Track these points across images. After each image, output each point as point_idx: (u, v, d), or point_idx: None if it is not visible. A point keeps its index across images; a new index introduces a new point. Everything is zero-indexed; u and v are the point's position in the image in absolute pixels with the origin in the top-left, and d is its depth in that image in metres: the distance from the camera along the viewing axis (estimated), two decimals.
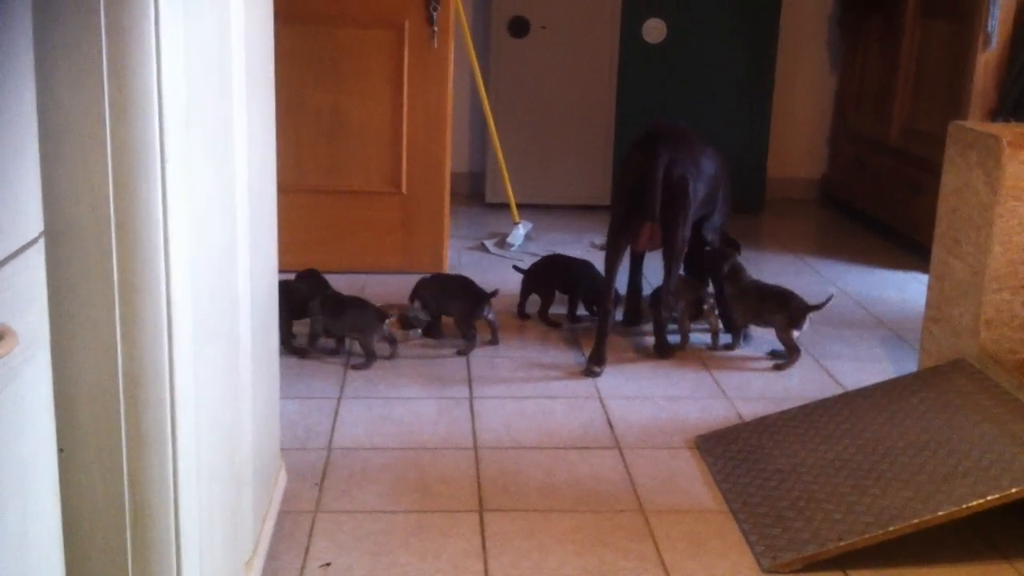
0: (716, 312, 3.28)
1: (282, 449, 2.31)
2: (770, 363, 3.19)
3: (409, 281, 3.78)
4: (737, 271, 3.31)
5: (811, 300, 3.21)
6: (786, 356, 3.19)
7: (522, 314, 3.56)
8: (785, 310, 3.17)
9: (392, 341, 3.15)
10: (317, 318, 3.09)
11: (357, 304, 3.12)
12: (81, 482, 1.32)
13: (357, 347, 3.12)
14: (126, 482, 1.33)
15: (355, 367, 3.05)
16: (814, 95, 5.53)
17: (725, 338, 3.33)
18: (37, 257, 1.13)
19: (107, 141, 1.24)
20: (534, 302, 3.55)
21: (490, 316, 3.22)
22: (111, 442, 1.32)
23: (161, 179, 1.27)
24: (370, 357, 3.07)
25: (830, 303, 3.19)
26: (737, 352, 3.27)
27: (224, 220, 1.62)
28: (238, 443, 1.75)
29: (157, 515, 1.35)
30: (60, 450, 1.27)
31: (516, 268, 3.69)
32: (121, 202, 1.26)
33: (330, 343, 3.16)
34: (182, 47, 1.31)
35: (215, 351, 1.55)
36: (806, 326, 3.17)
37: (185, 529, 1.39)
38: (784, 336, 3.19)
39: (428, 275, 3.38)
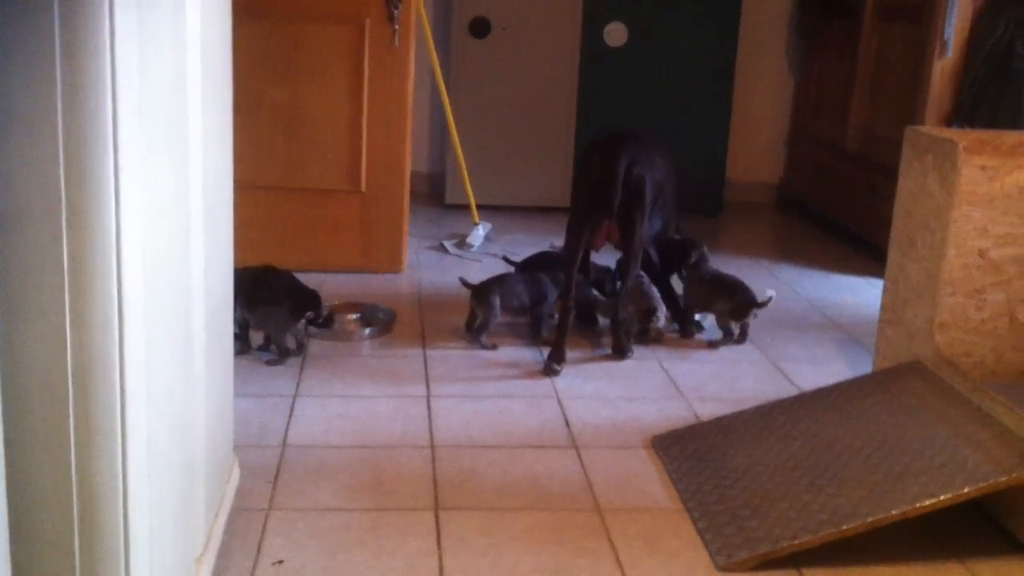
0: (662, 324, 3.34)
1: (236, 446, 2.28)
2: (724, 362, 3.21)
3: (367, 280, 3.77)
4: (701, 261, 3.42)
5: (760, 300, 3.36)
6: (720, 340, 3.37)
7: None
8: (731, 301, 3.34)
9: (300, 342, 3.11)
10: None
11: (274, 300, 3.07)
12: (29, 473, 1.30)
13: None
14: (74, 474, 1.31)
15: (268, 363, 3.02)
16: (773, 99, 5.57)
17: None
18: None
19: (59, 126, 1.22)
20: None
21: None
22: (59, 433, 1.30)
23: (114, 167, 1.25)
24: (282, 354, 3.04)
25: (771, 303, 3.34)
26: (694, 352, 3.29)
27: (179, 213, 1.60)
28: (190, 437, 1.73)
29: (105, 508, 1.33)
30: (7, 443, 1.24)
31: (506, 259, 3.70)
32: (72, 189, 1.24)
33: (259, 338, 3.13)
34: (135, 35, 1.29)
35: (167, 343, 1.53)
36: (749, 320, 3.36)
37: (134, 523, 1.36)
38: (724, 322, 3.37)
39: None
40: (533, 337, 3.32)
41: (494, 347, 3.25)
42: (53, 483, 1.31)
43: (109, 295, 1.28)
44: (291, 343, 3.06)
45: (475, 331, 3.27)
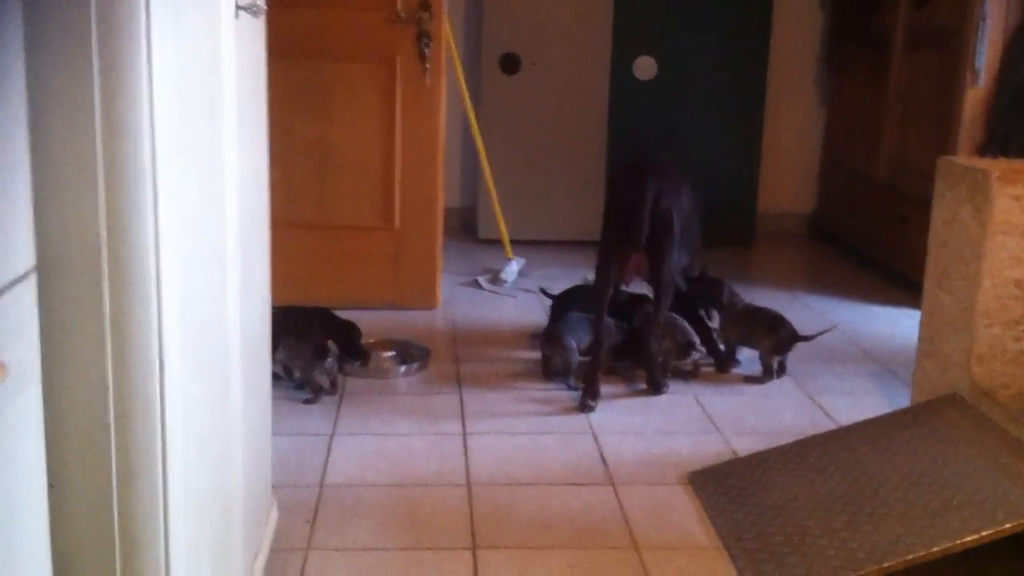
0: (697, 357, 3.33)
1: (274, 486, 2.29)
2: (759, 395, 3.20)
3: (401, 317, 3.79)
4: (733, 297, 3.41)
5: (803, 332, 3.30)
6: (760, 375, 3.33)
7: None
8: (774, 335, 3.30)
9: (332, 376, 3.11)
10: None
11: (301, 335, 3.08)
12: (71, 517, 1.31)
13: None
14: (116, 517, 1.32)
15: (305, 402, 3.04)
16: (803, 130, 5.56)
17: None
18: (28, 290, 1.12)
19: (98, 174, 1.24)
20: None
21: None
22: (101, 477, 1.31)
23: (153, 212, 1.27)
24: (316, 392, 3.05)
25: (821, 336, 3.26)
26: (730, 387, 3.27)
27: (216, 253, 1.62)
28: (227, 478, 1.74)
29: (147, 550, 1.34)
30: (50, 486, 1.26)
31: (544, 292, 3.70)
32: (113, 235, 1.26)
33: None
34: (174, 80, 1.32)
35: (205, 385, 1.55)
36: (790, 354, 3.33)
37: (175, 565, 1.37)
38: (767, 359, 3.32)
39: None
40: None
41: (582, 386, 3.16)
42: (95, 526, 1.32)
43: (149, 340, 1.30)
44: (323, 380, 3.06)
45: (560, 375, 3.24)
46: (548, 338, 3.27)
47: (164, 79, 1.28)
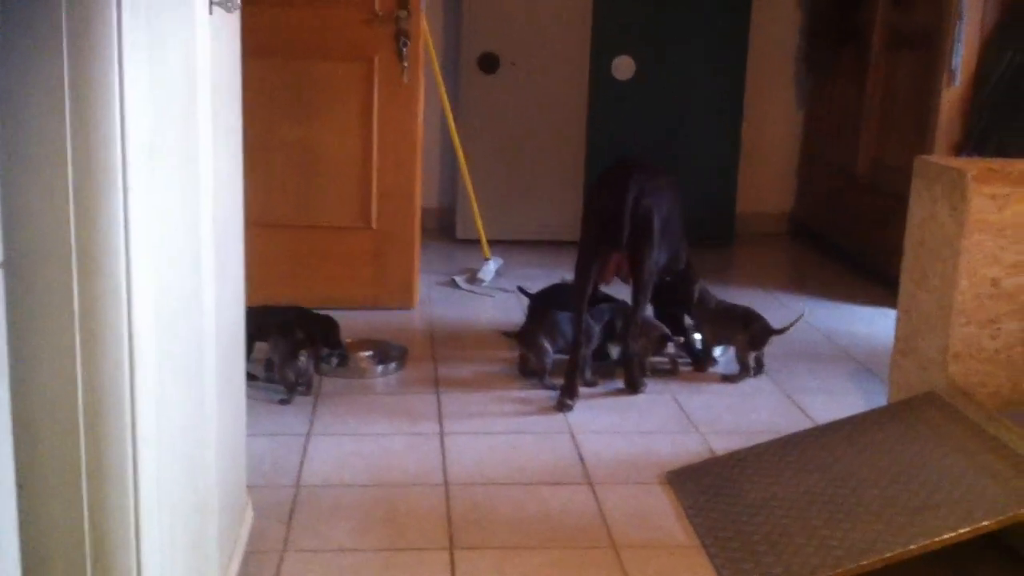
0: (675, 350, 3.34)
1: (249, 486, 2.27)
2: (737, 394, 3.20)
3: (379, 317, 3.77)
4: (704, 295, 3.39)
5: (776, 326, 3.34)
6: (737, 373, 3.33)
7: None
8: (748, 331, 3.32)
9: (306, 377, 3.06)
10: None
11: (281, 332, 3.06)
12: (41, 517, 1.29)
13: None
14: (86, 517, 1.30)
15: (280, 402, 3.01)
16: (783, 129, 5.57)
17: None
18: None
19: (68, 168, 1.23)
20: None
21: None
22: (71, 476, 1.29)
23: (123, 207, 1.25)
24: (289, 390, 3.03)
25: (793, 327, 3.32)
26: (707, 386, 3.27)
27: (190, 251, 1.60)
28: (203, 478, 1.72)
29: (118, 551, 1.32)
30: (19, 486, 1.24)
31: (522, 291, 3.69)
32: (82, 230, 1.24)
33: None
34: (146, 75, 1.30)
35: (179, 384, 1.53)
36: (766, 348, 3.33)
37: (147, 566, 1.36)
38: (743, 355, 3.32)
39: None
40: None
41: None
42: (66, 526, 1.30)
43: (120, 337, 1.28)
44: (290, 377, 3.03)
45: (535, 375, 3.22)
46: (524, 338, 3.26)
47: (135, 74, 1.26)
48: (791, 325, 3.34)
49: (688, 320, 3.48)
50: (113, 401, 1.29)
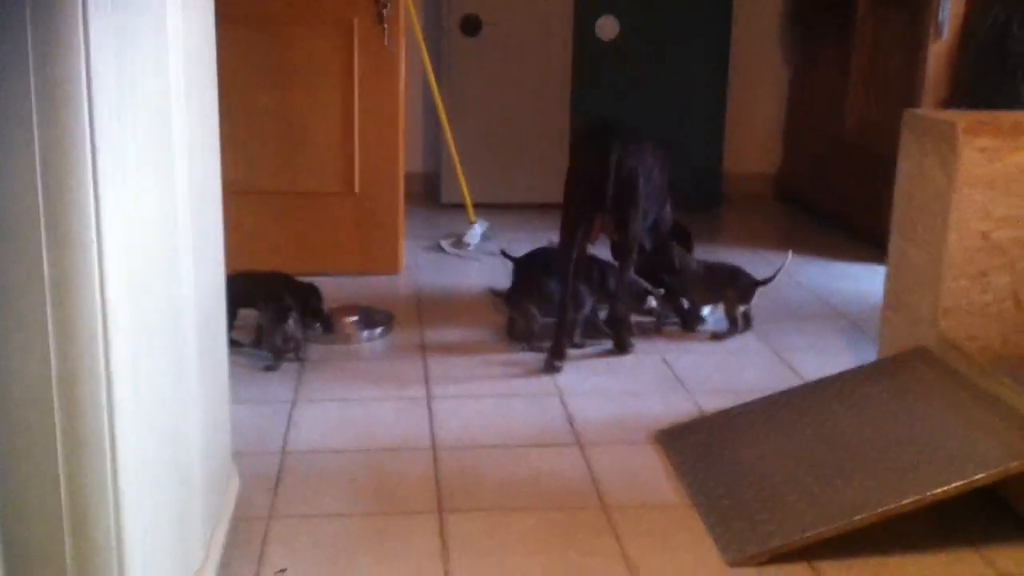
0: (654, 304, 3.34)
1: (234, 454, 2.24)
2: (726, 353, 3.18)
3: (364, 283, 3.73)
4: (684, 261, 3.36)
5: (768, 292, 3.34)
6: (726, 331, 3.33)
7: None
8: (735, 285, 3.32)
9: (295, 343, 3.03)
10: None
11: (267, 298, 3.03)
12: (15, 490, 1.26)
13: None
14: (63, 489, 1.28)
15: (265, 369, 2.98)
16: (768, 89, 5.52)
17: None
18: None
19: (34, 134, 1.19)
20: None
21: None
22: (46, 448, 1.26)
23: (92, 171, 1.22)
24: (276, 356, 2.99)
25: (779, 276, 3.33)
26: (696, 345, 3.25)
27: (165, 219, 1.56)
28: (185, 447, 1.70)
29: (97, 523, 1.30)
30: None
31: (504, 254, 3.65)
32: (50, 197, 1.21)
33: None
34: (112, 39, 1.25)
35: (157, 352, 1.49)
36: (754, 300, 3.33)
37: (128, 537, 1.33)
38: (731, 311, 3.32)
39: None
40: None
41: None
42: (41, 497, 1.28)
43: (92, 305, 1.25)
44: (278, 343, 3.00)
45: (523, 339, 3.19)
46: (512, 301, 3.23)
47: (102, 36, 1.22)
48: (776, 274, 3.32)
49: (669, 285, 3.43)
50: (87, 370, 1.26)
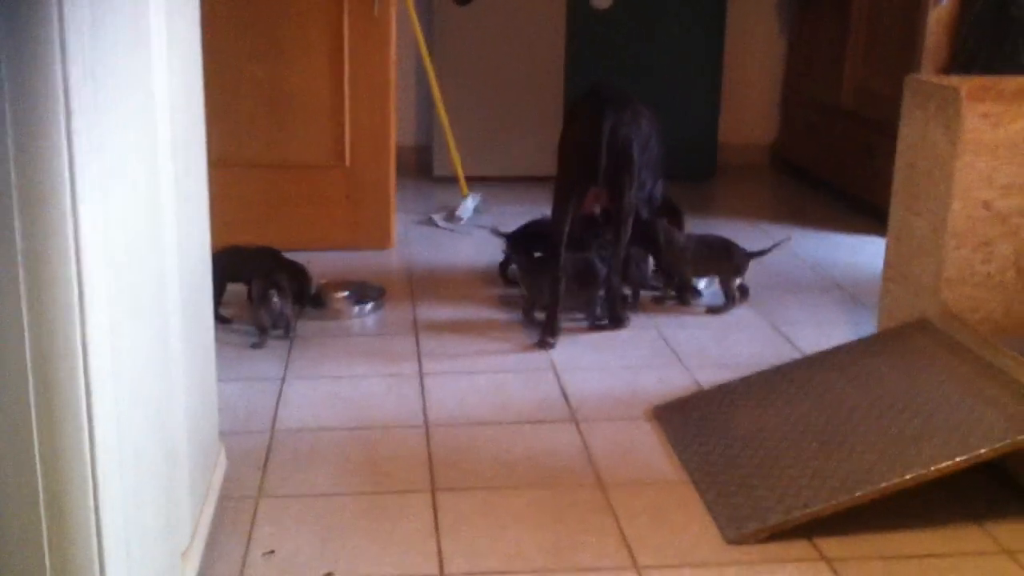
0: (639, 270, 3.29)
1: (222, 433, 2.20)
2: (723, 327, 3.13)
3: (355, 258, 3.69)
4: (671, 236, 3.29)
5: (764, 264, 3.31)
6: (722, 304, 3.28)
7: (505, 276, 3.50)
8: (731, 258, 3.27)
9: (282, 318, 2.96)
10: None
11: (256, 272, 2.97)
12: None
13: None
14: (39, 470, 1.22)
15: (253, 346, 2.92)
16: (765, 58, 5.46)
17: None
18: None
19: (4, 98, 1.13)
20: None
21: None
22: (21, 427, 1.21)
23: (66, 133, 1.16)
24: (261, 333, 2.94)
25: (776, 249, 3.29)
26: (693, 319, 3.20)
27: (146, 185, 1.50)
28: (170, 425, 1.64)
29: (75, 505, 1.25)
30: None
31: (495, 232, 3.60)
32: (22, 161, 1.15)
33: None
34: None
35: (138, 327, 1.44)
36: (747, 273, 3.30)
37: (107, 517, 1.28)
38: (727, 284, 3.27)
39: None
40: (587, 318, 3.15)
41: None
42: (17, 481, 1.23)
43: (67, 279, 1.19)
44: (265, 320, 2.94)
45: (526, 310, 3.15)
46: (525, 275, 3.16)
47: None
48: (771, 248, 3.28)
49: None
50: (63, 345, 1.20)
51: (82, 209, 1.19)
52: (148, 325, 1.50)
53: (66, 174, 1.17)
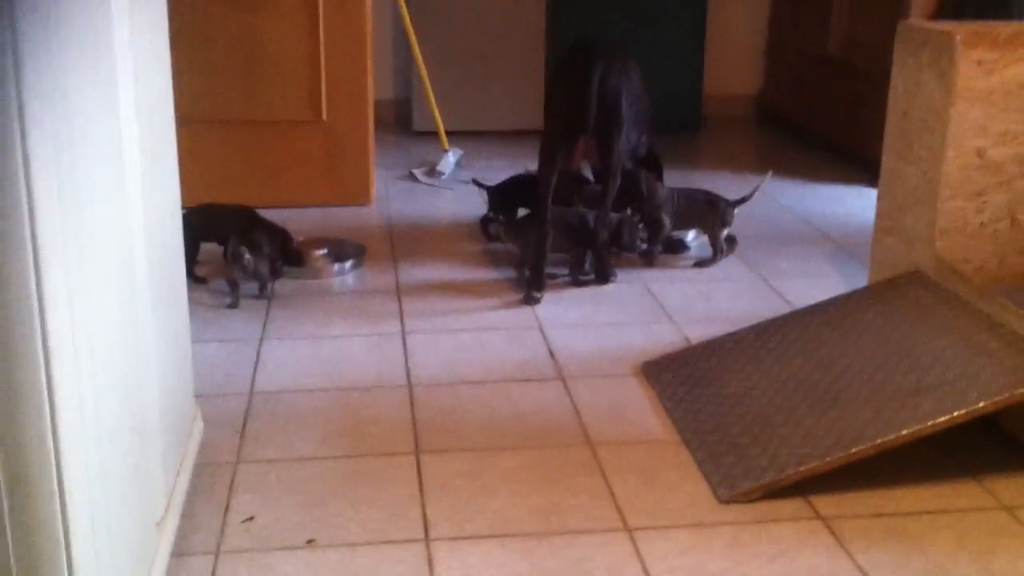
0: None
1: (198, 396, 2.13)
2: (712, 281, 3.07)
3: (335, 214, 3.62)
4: (652, 188, 3.21)
5: (752, 217, 3.28)
6: (710, 257, 3.23)
7: (488, 232, 3.42)
8: (715, 210, 3.20)
9: (258, 275, 2.89)
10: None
11: (230, 230, 2.89)
12: None
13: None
14: None
15: (228, 306, 2.84)
16: (749, 8, 5.37)
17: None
18: None
19: None
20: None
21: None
22: None
23: (15, 78, 1.07)
24: (233, 289, 2.86)
25: (756, 193, 3.22)
26: (681, 273, 3.14)
27: (107, 141, 1.42)
28: (140, 391, 1.57)
29: (36, 481, 1.17)
30: None
31: (477, 183, 3.52)
32: None
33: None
34: None
35: (102, 290, 1.36)
36: (733, 222, 3.23)
37: (72, 494, 1.21)
38: (715, 235, 3.21)
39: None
40: (571, 274, 3.08)
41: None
42: None
43: (20, 237, 1.11)
44: (238, 275, 2.86)
45: (518, 266, 3.08)
46: (513, 231, 3.09)
47: None
48: (752, 193, 3.20)
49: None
50: (17, 310, 1.12)
51: (35, 166, 1.11)
52: (112, 286, 1.43)
53: (15, 123, 1.09)
